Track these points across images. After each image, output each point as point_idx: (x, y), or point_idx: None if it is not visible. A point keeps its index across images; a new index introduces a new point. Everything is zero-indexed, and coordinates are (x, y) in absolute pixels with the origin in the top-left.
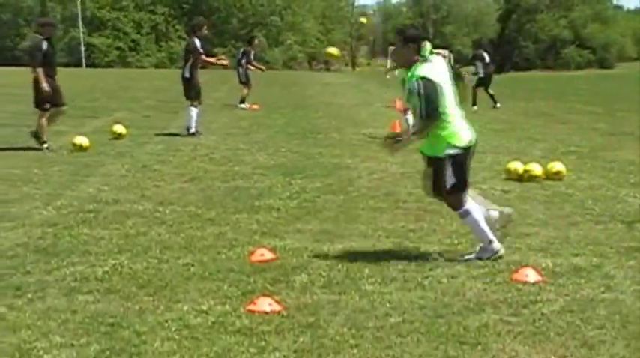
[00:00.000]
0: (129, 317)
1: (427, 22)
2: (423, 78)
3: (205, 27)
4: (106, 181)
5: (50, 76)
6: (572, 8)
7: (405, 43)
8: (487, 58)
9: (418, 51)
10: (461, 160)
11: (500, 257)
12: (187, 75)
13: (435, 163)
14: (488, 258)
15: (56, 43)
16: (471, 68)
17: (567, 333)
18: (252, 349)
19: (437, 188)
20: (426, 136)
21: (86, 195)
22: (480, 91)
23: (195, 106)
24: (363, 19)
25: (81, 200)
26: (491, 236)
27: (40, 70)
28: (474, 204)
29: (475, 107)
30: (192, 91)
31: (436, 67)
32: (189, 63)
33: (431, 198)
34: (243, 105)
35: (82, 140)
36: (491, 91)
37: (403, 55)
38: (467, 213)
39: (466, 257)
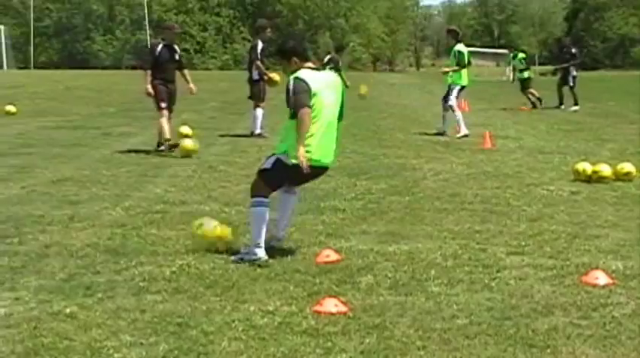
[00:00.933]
0: (196, 317)
1: (492, 22)
2: (297, 78)
3: (269, 29)
4: (173, 182)
5: (164, 79)
6: None
7: (287, 60)
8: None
9: (305, 58)
10: (288, 170)
11: (261, 264)
12: (256, 77)
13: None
14: (249, 260)
15: (123, 45)
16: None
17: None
18: (319, 350)
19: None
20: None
21: (153, 195)
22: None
23: (261, 107)
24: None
25: (148, 201)
26: (261, 241)
27: (147, 72)
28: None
29: (577, 107)
30: (258, 93)
31: (318, 76)
32: (255, 64)
33: None
34: None
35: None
36: (563, 93)
37: (290, 69)
38: (258, 204)
39: (233, 258)
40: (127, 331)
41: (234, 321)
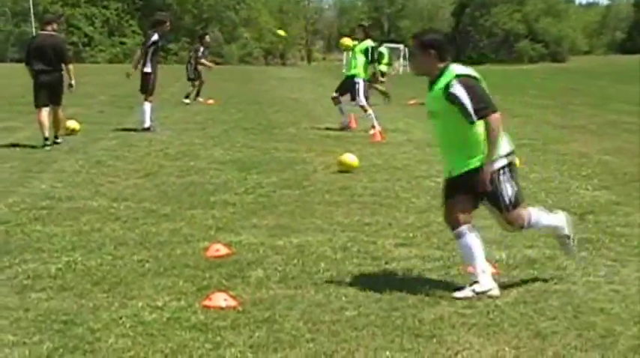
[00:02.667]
0: (83, 314)
1: (382, 16)
2: (461, 75)
3: (167, 23)
4: (60, 178)
5: None
6: (526, 2)
7: (424, 50)
8: None
9: (440, 57)
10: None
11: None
12: (148, 69)
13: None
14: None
15: (7, 37)
16: None
17: (521, 325)
18: (208, 345)
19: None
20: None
21: (39, 191)
22: None
23: (150, 101)
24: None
25: (34, 197)
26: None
27: None
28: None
29: None
30: (148, 86)
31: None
32: (149, 57)
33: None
34: (187, 100)
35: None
36: None
37: (424, 63)
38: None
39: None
40: (10, 330)
41: (121, 318)
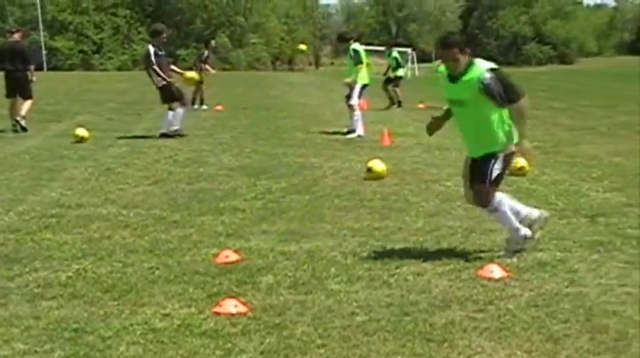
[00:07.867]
0: (93, 322)
1: (390, 20)
2: (494, 69)
3: (164, 34)
4: (69, 185)
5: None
6: (533, 4)
7: (460, 51)
8: None
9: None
10: (509, 161)
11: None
12: (159, 85)
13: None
14: (521, 246)
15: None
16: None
17: (533, 328)
18: (219, 351)
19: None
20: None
21: (49, 199)
22: None
23: (173, 109)
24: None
25: (43, 205)
26: (517, 224)
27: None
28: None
29: None
30: (168, 95)
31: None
32: (155, 71)
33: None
34: (201, 107)
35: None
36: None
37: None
38: (498, 207)
39: (504, 255)
40: (21, 339)
41: (132, 325)
